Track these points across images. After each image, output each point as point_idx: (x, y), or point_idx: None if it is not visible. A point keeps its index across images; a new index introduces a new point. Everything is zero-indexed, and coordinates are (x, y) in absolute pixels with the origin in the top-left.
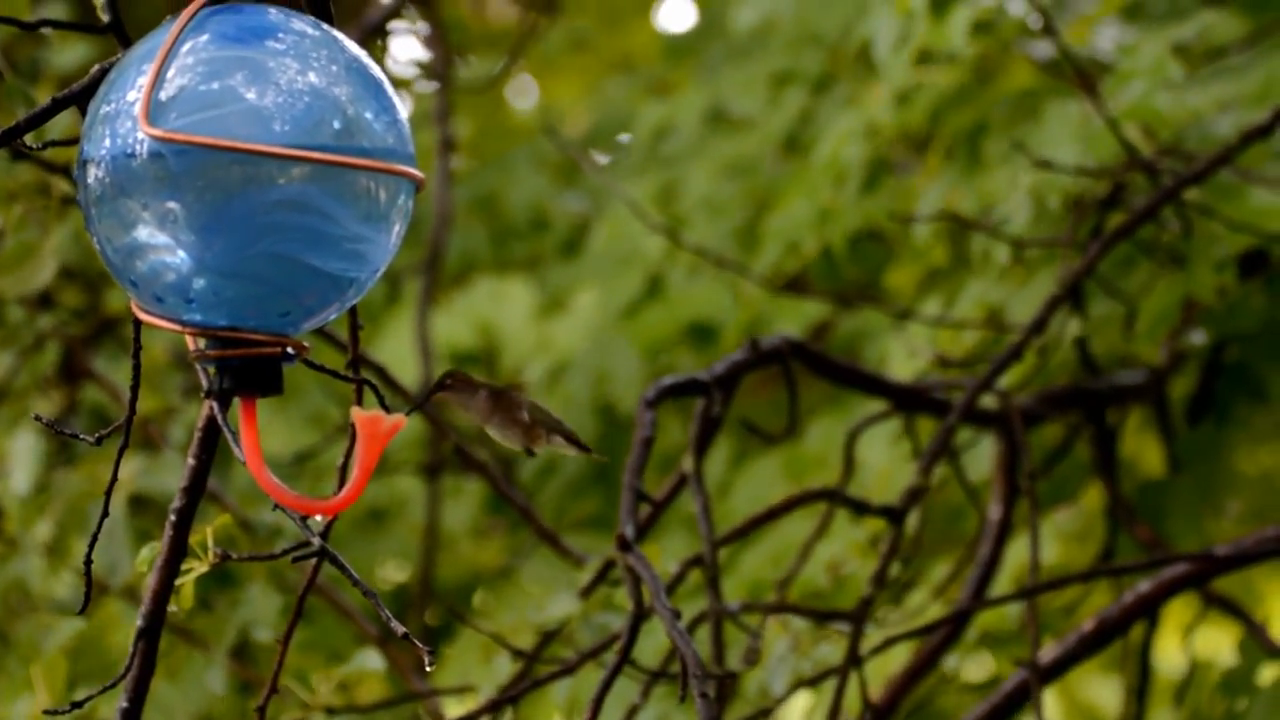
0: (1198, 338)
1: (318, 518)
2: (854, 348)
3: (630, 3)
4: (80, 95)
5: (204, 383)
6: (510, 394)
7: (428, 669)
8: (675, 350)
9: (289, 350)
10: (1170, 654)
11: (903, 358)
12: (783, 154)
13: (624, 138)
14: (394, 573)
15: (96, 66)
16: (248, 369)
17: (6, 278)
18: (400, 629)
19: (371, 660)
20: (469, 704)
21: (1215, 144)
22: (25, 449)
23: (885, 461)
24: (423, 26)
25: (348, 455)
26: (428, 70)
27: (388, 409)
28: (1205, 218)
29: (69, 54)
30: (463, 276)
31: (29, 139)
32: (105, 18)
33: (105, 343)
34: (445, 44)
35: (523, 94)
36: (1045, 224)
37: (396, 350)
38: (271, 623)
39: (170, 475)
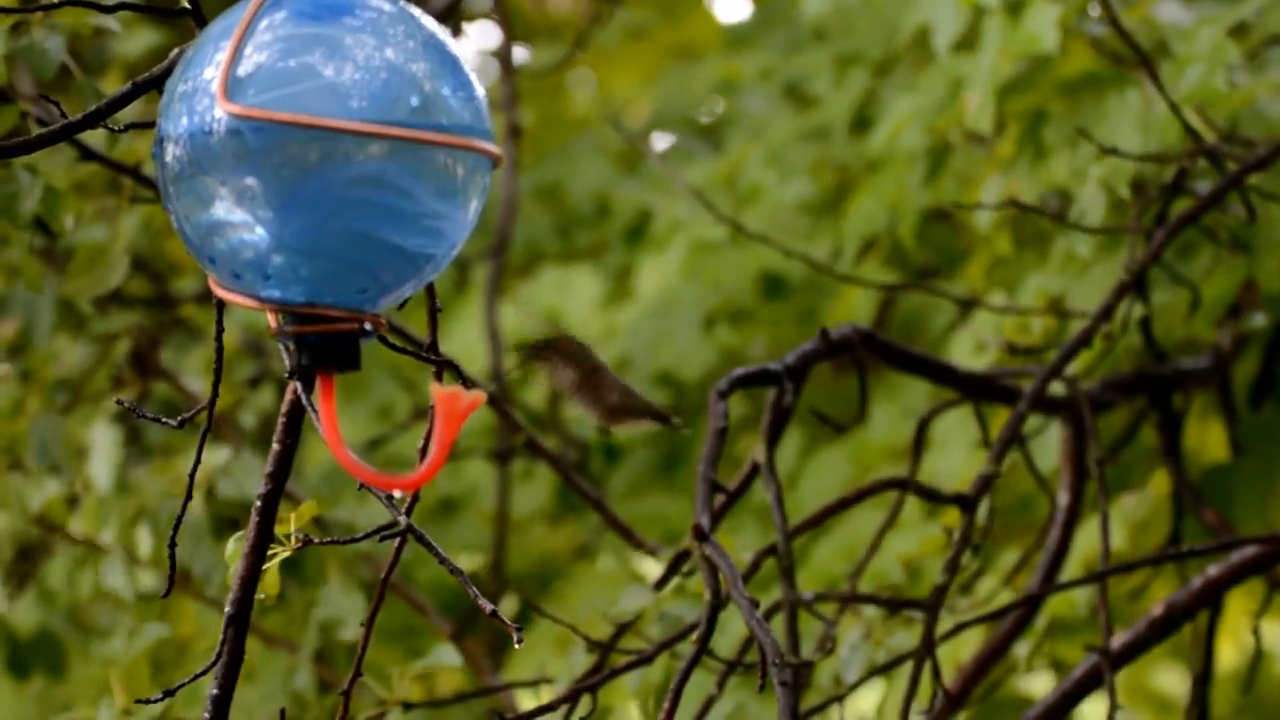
0: (1259, 320)
1: (396, 493)
2: (918, 321)
3: None
4: (160, 79)
5: (285, 361)
6: (604, 374)
7: (516, 646)
8: (747, 300)
9: (366, 326)
10: (1236, 641)
11: (970, 349)
12: (850, 133)
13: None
14: (465, 563)
15: (176, 50)
16: (326, 345)
17: (79, 280)
18: (488, 606)
19: (448, 655)
20: (544, 697)
21: (1269, 126)
22: (104, 439)
23: (952, 449)
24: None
25: (427, 438)
26: (496, 55)
27: (467, 385)
28: (1269, 202)
29: (135, 41)
30: (528, 267)
31: (110, 121)
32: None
33: (174, 333)
34: (510, 32)
35: (581, 85)
36: (1108, 211)
37: (465, 339)
38: (357, 621)
39: (248, 478)
